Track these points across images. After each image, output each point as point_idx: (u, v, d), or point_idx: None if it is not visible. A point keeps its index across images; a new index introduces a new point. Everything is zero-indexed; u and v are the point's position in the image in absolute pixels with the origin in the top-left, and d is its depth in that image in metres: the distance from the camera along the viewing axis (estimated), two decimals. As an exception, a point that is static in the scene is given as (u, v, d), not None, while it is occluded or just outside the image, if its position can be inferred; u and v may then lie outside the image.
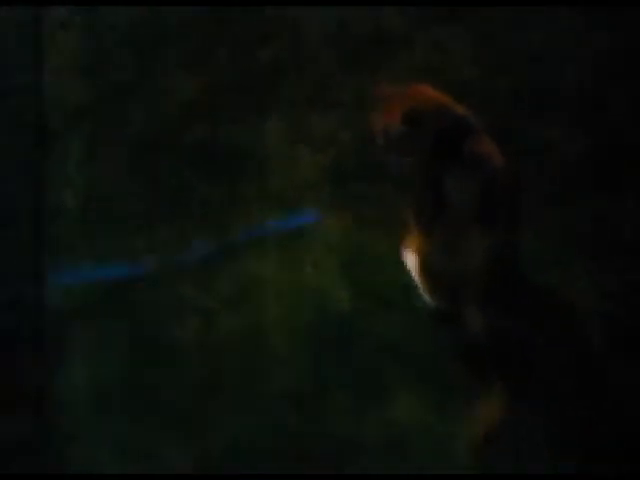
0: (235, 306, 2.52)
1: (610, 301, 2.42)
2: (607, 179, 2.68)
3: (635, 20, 2.94)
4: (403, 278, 2.45)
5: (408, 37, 3.07)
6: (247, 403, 2.33)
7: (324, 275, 2.57)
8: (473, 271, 2.29)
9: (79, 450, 2.30)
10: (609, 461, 2.22)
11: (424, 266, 2.37)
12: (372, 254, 2.59)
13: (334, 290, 2.53)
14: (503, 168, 2.32)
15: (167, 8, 3.06)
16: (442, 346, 2.38)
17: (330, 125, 2.89)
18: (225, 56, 3.02)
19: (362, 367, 2.37)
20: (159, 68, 2.99)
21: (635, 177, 2.65)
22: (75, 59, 3.00)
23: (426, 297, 2.40)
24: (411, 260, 2.42)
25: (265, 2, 3.08)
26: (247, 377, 2.39)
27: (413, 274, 2.41)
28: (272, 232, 2.67)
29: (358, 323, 2.46)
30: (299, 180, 2.79)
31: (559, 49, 2.93)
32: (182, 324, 2.50)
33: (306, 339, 2.44)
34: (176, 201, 2.76)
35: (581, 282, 2.46)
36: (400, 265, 2.46)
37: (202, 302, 2.54)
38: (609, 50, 2.90)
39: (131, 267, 2.62)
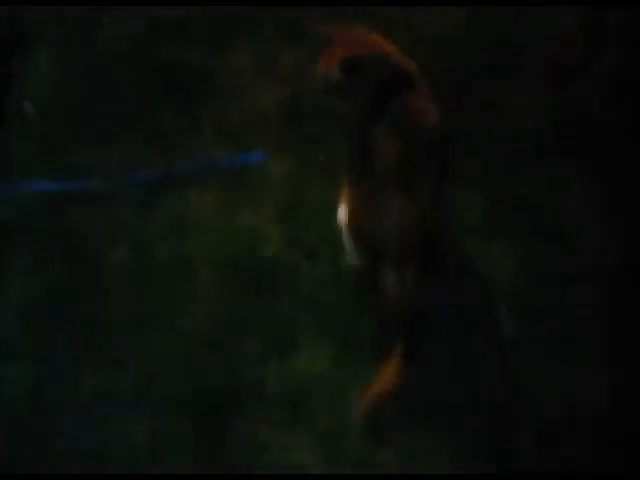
0: (167, 236, 2.57)
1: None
2: (558, 152, 2.62)
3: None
4: (334, 231, 2.47)
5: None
6: (161, 337, 2.41)
7: (259, 217, 2.58)
8: (392, 232, 2.27)
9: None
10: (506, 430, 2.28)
11: (349, 221, 2.37)
12: (310, 202, 2.59)
13: (265, 234, 2.55)
14: (434, 129, 2.27)
15: None
16: (358, 304, 2.42)
17: (298, 63, 2.85)
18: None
19: (276, 314, 2.43)
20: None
21: (584, 155, 2.60)
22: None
23: (351, 253, 2.41)
24: (342, 213, 2.41)
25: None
26: (165, 310, 2.45)
27: (342, 228, 2.42)
28: (217, 166, 2.69)
29: (281, 270, 2.50)
30: (254, 115, 2.77)
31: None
32: (114, 248, 2.56)
33: (228, 278, 2.48)
34: (131, 121, 2.78)
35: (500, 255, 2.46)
36: (334, 217, 2.47)
37: (136, 228, 2.59)
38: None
39: (75, 184, 2.67)
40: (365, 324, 2.39)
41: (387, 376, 2.25)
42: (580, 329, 2.39)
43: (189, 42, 2.88)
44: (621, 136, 2.58)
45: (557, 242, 2.47)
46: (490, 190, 2.56)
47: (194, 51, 2.87)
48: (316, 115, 2.70)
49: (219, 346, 2.38)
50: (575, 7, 2.78)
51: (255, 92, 2.81)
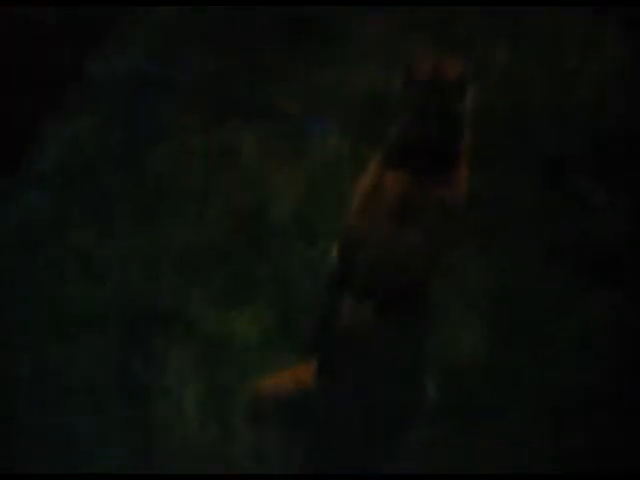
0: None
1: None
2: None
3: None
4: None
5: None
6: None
7: (289, 191, 2.61)
8: (370, 253, 2.18)
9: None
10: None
11: (348, 218, 2.26)
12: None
13: (274, 208, 2.59)
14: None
15: None
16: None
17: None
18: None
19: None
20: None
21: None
22: None
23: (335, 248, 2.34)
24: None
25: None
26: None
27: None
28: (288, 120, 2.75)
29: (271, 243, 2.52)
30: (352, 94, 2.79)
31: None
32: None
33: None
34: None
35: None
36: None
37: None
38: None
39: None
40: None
41: (295, 372, 2.20)
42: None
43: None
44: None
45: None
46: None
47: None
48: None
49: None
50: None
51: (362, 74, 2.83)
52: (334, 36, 2.89)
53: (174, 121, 2.76)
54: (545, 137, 2.64)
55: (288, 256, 2.49)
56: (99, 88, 2.83)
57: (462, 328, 2.36)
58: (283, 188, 2.62)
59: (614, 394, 2.23)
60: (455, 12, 2.89)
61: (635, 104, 2.76)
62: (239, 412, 2.25)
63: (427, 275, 2.25)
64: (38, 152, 2.70)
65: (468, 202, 2.21)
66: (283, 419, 2.21)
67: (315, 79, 2.82)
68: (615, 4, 2.86)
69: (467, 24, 2.87)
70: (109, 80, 2.84)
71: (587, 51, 2.88)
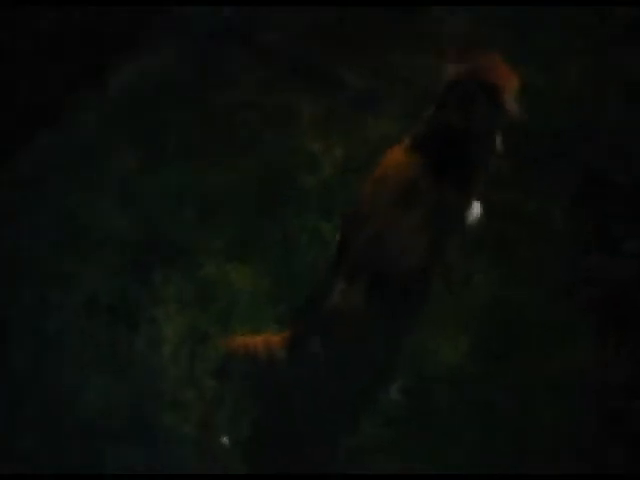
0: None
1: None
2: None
3: None
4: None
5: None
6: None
7: (327, 151, 2.63)
8: (369, 235, 2.18)
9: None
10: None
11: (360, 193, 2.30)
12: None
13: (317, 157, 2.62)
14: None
15: None
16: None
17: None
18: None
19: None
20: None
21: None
22: None
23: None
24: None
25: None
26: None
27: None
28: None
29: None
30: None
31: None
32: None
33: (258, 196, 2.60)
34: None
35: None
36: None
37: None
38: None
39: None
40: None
41: (268, 338, 2.25)
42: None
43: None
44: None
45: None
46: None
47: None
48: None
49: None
50: None
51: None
52: (416, 23, 2.86)
53: (238, 73, 2.83)
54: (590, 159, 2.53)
55: (300, 224, 2.52)
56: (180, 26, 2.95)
57: (447, 336, 2.32)
58: (319, 158, 2.64)
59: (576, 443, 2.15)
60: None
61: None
62: (207, 359, 2.34)
63: (423, 264, 2.23)
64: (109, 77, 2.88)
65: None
66: (245, 375, 2.28)
67: (385, 59, 2.80)
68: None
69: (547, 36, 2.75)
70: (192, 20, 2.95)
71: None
